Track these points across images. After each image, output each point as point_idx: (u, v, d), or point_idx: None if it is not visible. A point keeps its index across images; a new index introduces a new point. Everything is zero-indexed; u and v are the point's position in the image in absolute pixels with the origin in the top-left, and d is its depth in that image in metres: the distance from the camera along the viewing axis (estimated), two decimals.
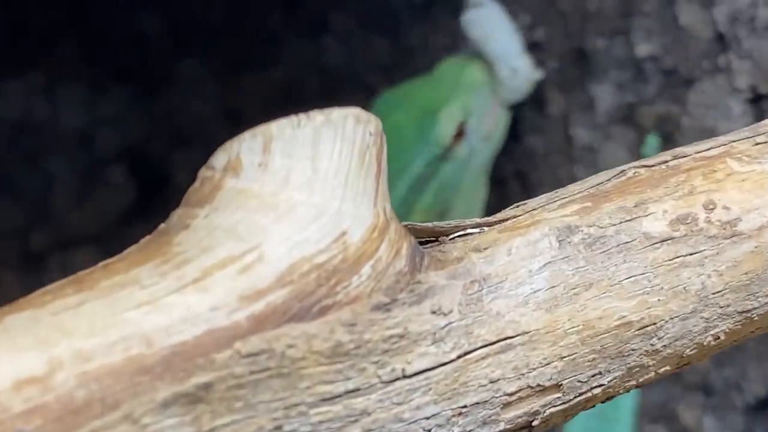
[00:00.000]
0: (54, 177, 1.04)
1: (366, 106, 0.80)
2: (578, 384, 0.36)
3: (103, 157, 1.05)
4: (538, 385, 0.35)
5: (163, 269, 0.30)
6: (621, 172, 0.39)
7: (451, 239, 0.36)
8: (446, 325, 0.33)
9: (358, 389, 0.31)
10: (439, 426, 0.33)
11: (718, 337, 0.38)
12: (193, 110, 1.05)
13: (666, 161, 0.39)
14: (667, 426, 0.73)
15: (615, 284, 0.36)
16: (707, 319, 0.37)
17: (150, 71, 1.06)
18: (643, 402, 0.73)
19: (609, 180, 0.39)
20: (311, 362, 0.31)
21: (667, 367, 0.38)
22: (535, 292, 0.35)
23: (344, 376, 0.31)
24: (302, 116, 0.32)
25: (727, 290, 0.37)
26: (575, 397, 0.36)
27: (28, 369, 0.27)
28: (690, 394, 0.71)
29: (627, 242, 0.36)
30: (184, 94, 1.06)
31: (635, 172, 0.39)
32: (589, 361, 0.36)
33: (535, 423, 0.35)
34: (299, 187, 0.32)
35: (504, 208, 0.38)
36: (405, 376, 0.32)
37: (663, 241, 0.37)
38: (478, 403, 0.34)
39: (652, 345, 0.36)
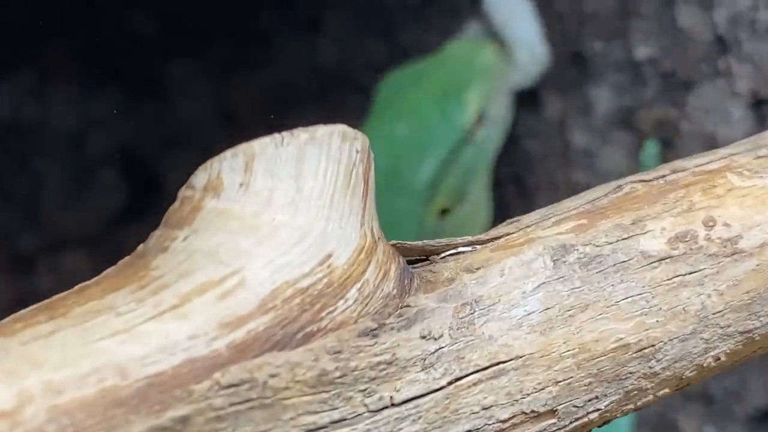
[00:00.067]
0: (44, 178, 1.03)
1: (370, 91, 0.80)
2: (574, 409, 0.34)
3: (94, 158, 1.04)
4: (533, 411, 0.33)
5: (140, 295, 0.29)
6: (618, 187, 0.38)
7: (442, 258, 0.35)
8: (436, 350, 0.32)
9: (344, 419, 0.30)
10: None
11: (719, 358, 0.37)
12: (186, 111, 1.04)
13: (664, 175, 0.38)
14: None
15: (612, 305, 0.35)
16: (707, 340, 0.36)
17: (141, 72, 1.04)
18: (642, 411, 0.72)
19: (605, 195, 0.37)
20: (295, 392, 0.29)
21: (666, 390, 0.36)
22: (528, 314, 0.34)
23: (330, 405, 0.30)
24: (285, 134, 0.31)
25: (728, 310, 0.36)
26: (571, 422, 0.34)
27: None
28: (690, 404, 0.70)
29: (624, 261, 0.35)
30: (176, 95, 1.04)
31: (632, 188, 0.37)
32: (585, 386, 0.34)
33: None
34: (282, 207, 0.31)
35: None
36: (393, 405, 0.31)
37: (661, 259, 0.36)
38: (470, 431, 0.32)
39: (650, 367, 0.35)
